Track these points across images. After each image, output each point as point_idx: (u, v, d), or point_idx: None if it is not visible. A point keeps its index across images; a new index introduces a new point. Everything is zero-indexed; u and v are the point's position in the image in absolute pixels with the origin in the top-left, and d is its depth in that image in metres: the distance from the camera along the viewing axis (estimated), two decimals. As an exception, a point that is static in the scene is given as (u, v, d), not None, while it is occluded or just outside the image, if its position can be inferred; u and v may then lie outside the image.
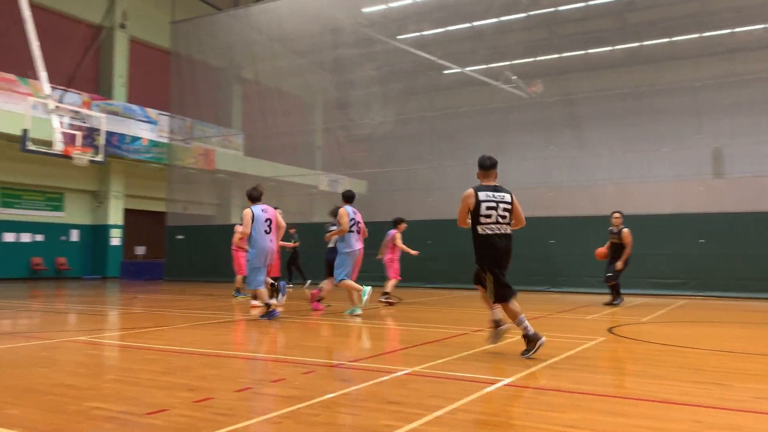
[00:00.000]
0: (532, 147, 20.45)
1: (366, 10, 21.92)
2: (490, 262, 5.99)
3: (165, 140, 24.91)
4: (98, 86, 25.32)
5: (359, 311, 9.99)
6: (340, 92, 22.77)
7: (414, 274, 18.32)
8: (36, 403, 4.11)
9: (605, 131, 19.62)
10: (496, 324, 6.20)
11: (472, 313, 10.56)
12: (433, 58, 20.16)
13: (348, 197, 10.31)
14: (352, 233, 9.97)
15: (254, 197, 9.36)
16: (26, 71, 18.13)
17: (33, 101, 16.99)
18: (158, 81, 26.11)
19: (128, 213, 25.84)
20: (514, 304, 5.96)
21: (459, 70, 20.98)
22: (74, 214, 24.63)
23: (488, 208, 6.01)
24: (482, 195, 6.07)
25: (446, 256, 17.70)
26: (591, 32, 20.44)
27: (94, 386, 4.72)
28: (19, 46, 17.06)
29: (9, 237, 22.36)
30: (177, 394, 4.37)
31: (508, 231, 6.11)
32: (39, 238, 23.31)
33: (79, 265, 24.44)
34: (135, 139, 23.86)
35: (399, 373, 5.11)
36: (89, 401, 4.15)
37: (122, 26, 25.45)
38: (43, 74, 16.64)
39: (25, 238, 22.93)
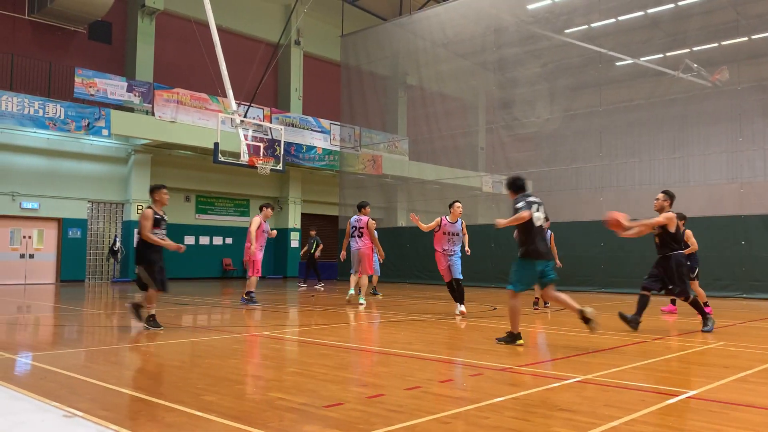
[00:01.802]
0: (717, 140, 18.69)
1: (531, 6, 21.43)
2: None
3: (337, 148, 26.28)
4: (277, 100, 27.36)
5: (363, 301, 12.33)
6: (503, 91, 22.46)
7: (587, 277, 17.59)
8: (228, 391, 4.54)
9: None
10: (139, 308, 8.32)
11: (653, 320, 9.88)
12: (603, 50, 19.16)
13: (357, 206, 12.90)
14: (353, 237, 12.56)
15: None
16: (216, 90, 20.09)
17: (222, 117, 18.74)
18: (329, 92, 27.63)
19: (305, 217, 27.58)
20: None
21: (632, 61, 19.73)
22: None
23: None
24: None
25: (621, 259, 16.77)
26: (788, 9, 18.22)
27: (277, 378, 5.10)
28: (210, 67, 18.96)
29: (204, 240, 24.88)
30: (350, 389, 4.59)
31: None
32: (228, 241, 25.68)
33: (263, 265, 26.43)
34: (310, 148, 25.43)
35: (571, 380, 4.93)
36: (273, 392, 4.49)
37: (297, 43, 27.26)
38: (230, 92, 18.30)
39: (217, 241, 25.38)
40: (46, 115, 18.87)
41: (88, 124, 19.67)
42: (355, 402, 4.16)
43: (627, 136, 20.09)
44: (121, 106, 20.83)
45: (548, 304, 11.66)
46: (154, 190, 8.62)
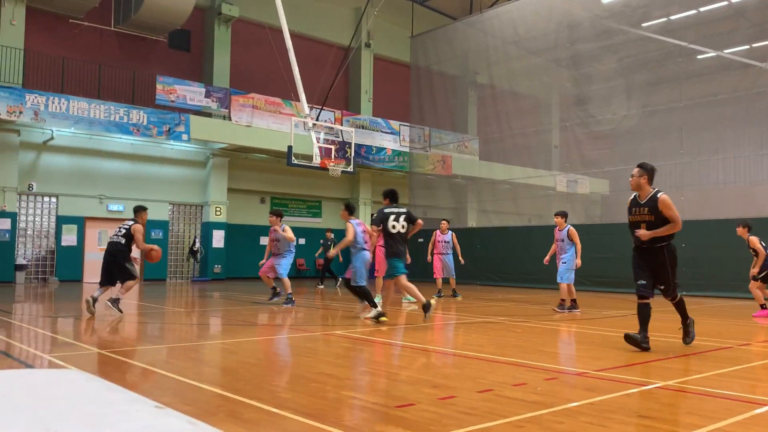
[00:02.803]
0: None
1: (606, 0, 20.84)
2: None
3: (406, 149, 26.35)
4: (347, 102, 27.71)
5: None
6: (578, 88, 21.90)
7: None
8: (303, 388, 4.63)
9: None
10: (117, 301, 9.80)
11: (739, 325, 9.42)
12: (683, 43, 18.37)
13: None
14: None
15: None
16: (289, 94, 20.55)
17: (295, 120, 19.16)
18: (399, 94, 27.74)
19: (375, 218, 27.76)
20: None
21: (715, 54, 18.84)
22: (329, 219, 27.21)
23: None
24: None
25: (707, 260, 16.01)
26: None
27: (349, 377, 5.17)
28: (283, 72, 19.42)
29: (278, 241, 25.47)
30: (422, 389, 4.60)
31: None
32: (302, 241, 26.15)
33: (335, 265, 26.86)
34: (380, 149, 25.62)
35: (650, 386, 4.76)
36: (346, 390, 4.56)
37: (367, 45, 27.52)
38: (302, 96, 18.68)
39: (291, 241, 25.90)
40: (130, 122, 19.83)
41: (169, 129, 20.53)
42: (427, 403, 4.17)
43: (710, 133, 19.20)
44: (199, 112, 21.64)
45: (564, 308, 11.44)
46: (143, 210, 10.32)
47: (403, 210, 9.20)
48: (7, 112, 17.75)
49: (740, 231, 11.01)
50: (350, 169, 19.52)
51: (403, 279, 9.05)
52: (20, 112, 17.95)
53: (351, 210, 10.17)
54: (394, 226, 8.96)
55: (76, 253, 20.76)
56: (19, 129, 19.19)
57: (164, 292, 16.64)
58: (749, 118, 18.60)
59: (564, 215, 11.35)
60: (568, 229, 11.20)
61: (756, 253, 10.73)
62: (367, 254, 9.79)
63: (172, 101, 20.86)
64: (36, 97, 18.22)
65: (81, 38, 21.52)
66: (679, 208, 18.07)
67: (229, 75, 23.80)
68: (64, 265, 20.48)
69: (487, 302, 13.89)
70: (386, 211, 9.06)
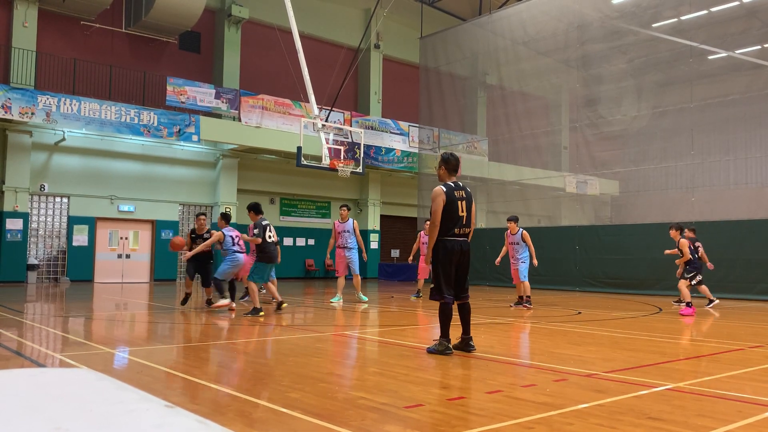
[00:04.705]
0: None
1: (616, 1, 20.75)
2: None
3: (415, 150, 26.34)
4: (357, 103, 27.73)
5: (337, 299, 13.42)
6: (587, 89, 21.81)
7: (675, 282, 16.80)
8: (311, 388, 4.64)
9: None
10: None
11: (751, 327, 9.34)
12: (694, 43, 18.26)
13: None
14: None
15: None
16: (299, 95, 20.60)
17: (305, 122, 19.20)
18: (408, 95, 27.74)
19: (384, 219, 27.78)
20: None
21: (727, 54, 18.71)
22: (338, 220, 27.23)
23: None
24: None
25: (718, 261, 15.86)
26: None
27: (358, 377, 5.17)
28: (293, 73, 19.47)
29: (288, 241, 25.54)
30: (431, 390, 4.59)
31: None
32: (311, 242, 26.23)
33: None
34: (389, 150, 25.63)
35: (661, 388, 4.74)
36: (355, 391, 4.56)
37: (376, 46, 27.54)
38: (312, 97, 18.72)
39: (300, 242, 25.98)
40: (141, 123, 19.94)
41: (179, 130, 20.63)
42: (435, 404, 4.16)
43: (721, 133, 19.09)
44: (209, 113, 21.72)
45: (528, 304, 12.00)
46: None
47: (271, 224, 10.70)
48: (20, 113, 17.90)
49: (672, 233, 11.63)
50: (359, 170, 19.53)
51: (253, 284, 10.27)
52: (32, 114, 18.09)
53: (227, 219, 11.81)
54: (270, 236, 10.39)
55: (88, 253, 20.89)
56: (31, 130, 19.35)
57: (174, 292, 16.71)
58: (761, 119, 18.48)
59: (515, 220, 12.36)
60: (522, 233, 12.20)
61: (683, 254, 11.37)
62: (240, 257, 11.08)
63: (183, 102, 20.96)
64: (48, 99, 18.36)
65: (92, 40, 21.66)
66: (689, 209, 18.05)
67: (238, 76, 23.88)
68: (76, 265, 20.61)
69: (496, 303, 13.85)
70: (264, 223, 10.40)
